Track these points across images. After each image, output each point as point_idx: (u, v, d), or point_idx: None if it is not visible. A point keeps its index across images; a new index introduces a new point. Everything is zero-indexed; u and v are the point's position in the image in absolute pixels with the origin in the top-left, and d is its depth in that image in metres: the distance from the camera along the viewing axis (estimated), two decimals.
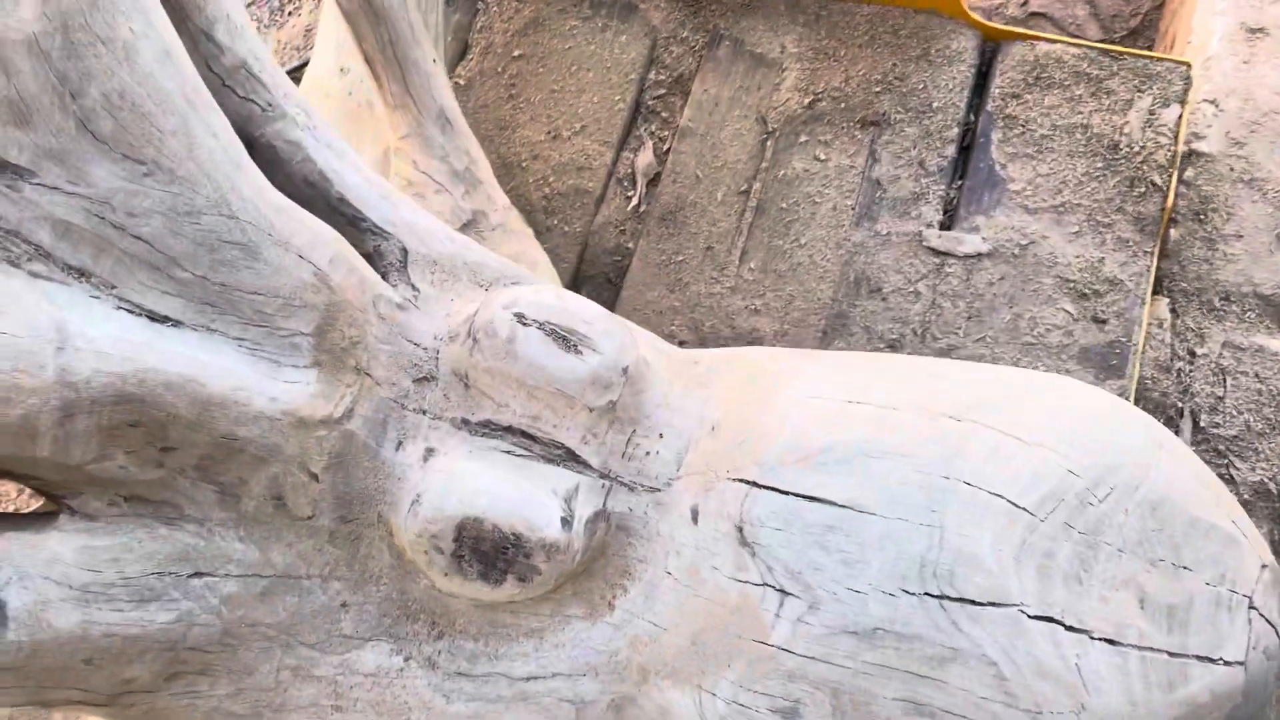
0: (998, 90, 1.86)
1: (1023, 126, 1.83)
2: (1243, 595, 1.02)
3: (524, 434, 1.09)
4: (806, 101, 1.92)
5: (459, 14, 2.10)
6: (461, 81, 2.05)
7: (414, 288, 1.16)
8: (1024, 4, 2.60)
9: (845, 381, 1.13)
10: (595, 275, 1.93)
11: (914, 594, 0.99)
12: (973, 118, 1.89)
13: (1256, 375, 1.75)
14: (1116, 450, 1.05)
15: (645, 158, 1.96)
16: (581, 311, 1.10)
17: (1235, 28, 2.01)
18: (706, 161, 1.92)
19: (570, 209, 1.95)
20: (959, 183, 1.84)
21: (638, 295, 1.85)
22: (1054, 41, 1.87)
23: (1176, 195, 1.89)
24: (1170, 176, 1.75)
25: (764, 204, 1.87)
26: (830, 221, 1.83)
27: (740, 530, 1.05)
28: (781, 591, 1.02)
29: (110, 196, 0.93)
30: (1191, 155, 1.91)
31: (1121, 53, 1.85)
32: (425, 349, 1.12)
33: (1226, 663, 1.01)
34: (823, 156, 1.88)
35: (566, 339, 1.08)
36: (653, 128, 1.99)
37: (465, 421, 1.10)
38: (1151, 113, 1.79)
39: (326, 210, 1.16)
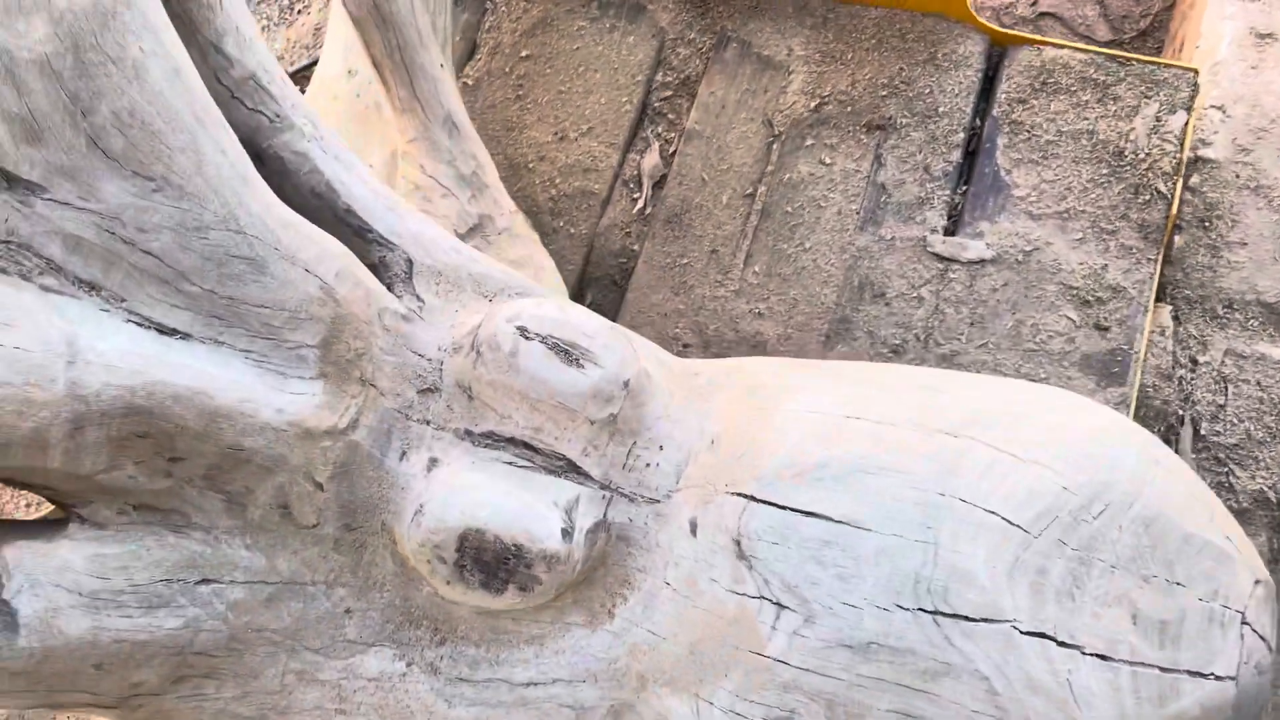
0: (1004, 95, 1.86)
1: (1028, 132, 1.83)
2: (1235, 611, 1.04)
3: (526, 445, 1.11)
4: (813, 105, 1.92)
5: (467, 13, 2.11)
6: (469, 81, 2.06)
7: (419, 299, 1.17)
8: (1033, 3, 2.60)
9: (843, 396, 1.14)
10: (601, 277, 1.94)
11: (908, 609, 1.00)
12: (979, 123, 1.89)
13: (1258, 383, 1.76)
14: (1111, 467, 1.06)
15: (651, 160, 1.97)
16: (584, 325, 1.12)
17: (1244, 32, 2.01)
18: (712, 164, 1.93)
19: (576, 211, 1.96)
20: (964, 188, 1.84)
21: (642, 298, 1.86)
22: (1061, 47, 1.87)
23: (1181, 202, 1.89)
24: (1175, 184, 1.76)
25: (769, 207, 1.88)
26: (835, 226, 1.84)
27: (738, 543, 1.06)
28: (778, 604, 1.04)
29: (120, 212, 0.95)
30: (1197, 161, 1.91)
31: (1128, 59, 1.85)
32: (429, 360, 1.14)
33: (1218, 677, 1.02)
34: (828, 160, 1.89)
35: (569, 352, 1.10)
36: (659, 130, 2.00)
37: (468, 432, 1.12)
38: (1158, 119, 1.79)
39: (333, 221, 1.18)
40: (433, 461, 1.10)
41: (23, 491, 2.16)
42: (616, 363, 1.11)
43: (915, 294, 1.77)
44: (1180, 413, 1.77)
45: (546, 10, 2.08)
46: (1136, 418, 1.72)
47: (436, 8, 1.67)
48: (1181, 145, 1.77)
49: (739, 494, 1.08)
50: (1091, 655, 1.00)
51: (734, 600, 1.06)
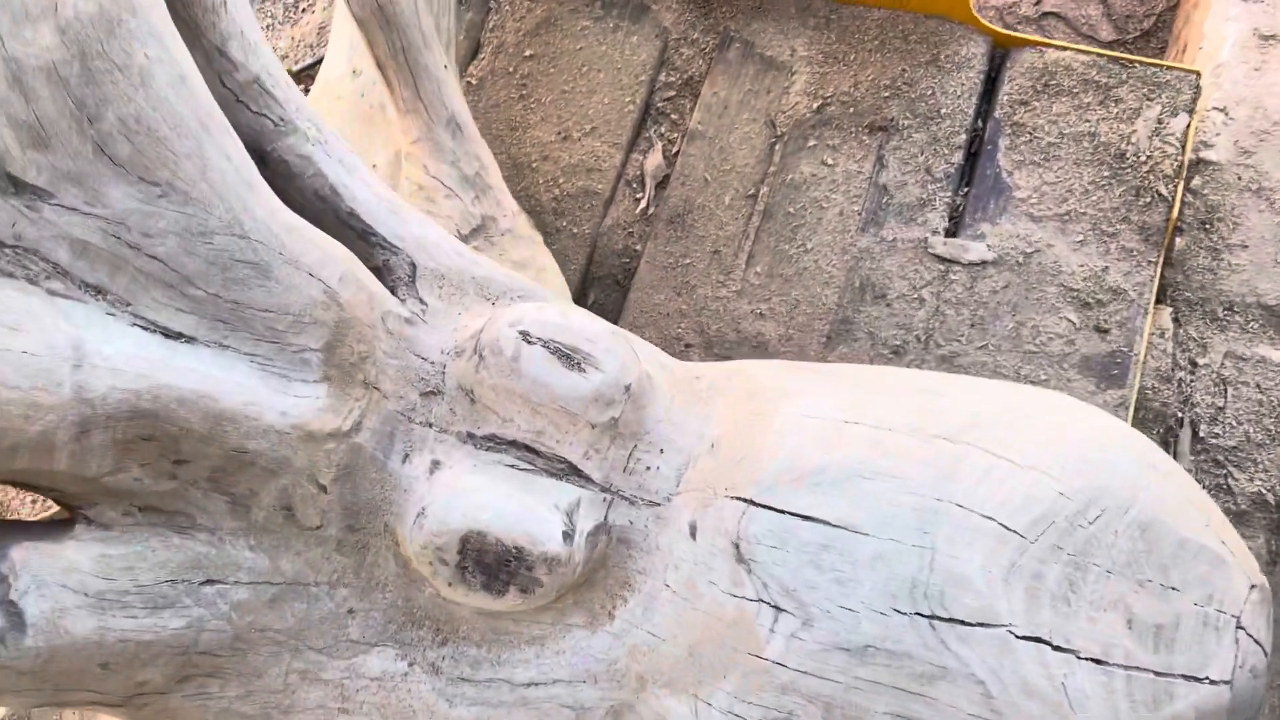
0: (1006, 97, 1.87)
1: (1030, 134, 1.83)
2: (1230, 615, 1.04)
3: (528, 448, 1.12)
4: (815, 105, 1.93)
5: (472, 12, 2.12)
6: (473, 80, 2.07)
7: (422, 302, 1.18)
8: (1037, 3, 2.60)
9: (843, 400, 1.15)
10: (604, 277, 1.95)
11: (905, 613, 1.01)
12: (980, 124, 1.89)
13: (1258, 386, 1.76)
14: (1108, 472, 1.07)
15: (654, 160, 1.98)
16: (585, 330, 1.12)
17: (1248, 34, 2.01)
18: (715, 165, 1.94)
19: (579, 210, 1.97)
20: (965, 189, 1.85)
21: (645, 298, 1.87)
22: (1064, 49, 1.88)
23: (1183, 204, 1.90)
24: (1176, 187, 1.76)
25: (771, 208, 1.88)
26: (836, 227, 1.85)
27: (737, 547, 1.07)
28: (776, 608, 1.05)
29: (126, 217, 0.96)
30: (1199, 163, 1.92)
31: (1131, 61, 1.85)
32: (432, 363, 1.15)
33: (1212, 681, 1.03)
34: (830, 161, 1.89)
35: (570, 357, 1.11)
36: (662, 130, 2.01)
37: (470, 435, 1.13)
38: (1159, 122, 1.80)
39: (336, 224, 1.19)
40: (435, 464, 1.11)
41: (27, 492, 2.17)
42: (618, 367, 1.12)
43: (916, 295, 1.78)
44: (1179, 415, 1.78)
45: (550, 10, 2.08)
46: (1136, 420, 1.73)
47: (440, 8, 1.68)
48: (1183, 148, 1.78)
49: (738, 498, 1.09)
50: (1086, 659, 1.01)
51: (733, 603, 1.07)
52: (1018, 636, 1.00)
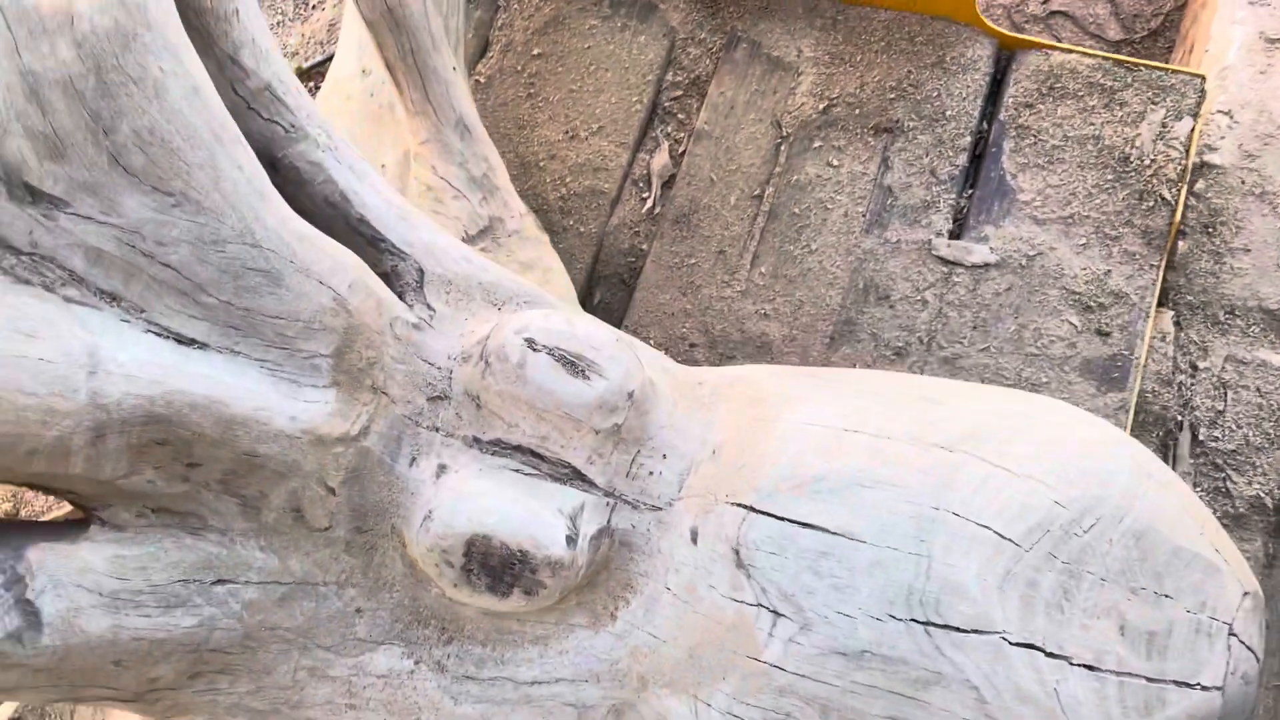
0: (1011, 99, 1.88)
1: (1035, 136, 1.84)
2: (1223, 622, 1.06)
3: (533, 453, 1.14)
4: (821, 106, 1.94)
5: (480, 10, 2.13)
6: (481, 79, 2.08)
7: (429, 308, 1.20)
8: (1045, 2, 2.60)
9: (843, 407, 1.16)
10: (610, 276, 1.97)
11: (901, 619, 1.03)
12: (985, 126, 1.90)
13: (1258, 390, 1.77)
14: (1104, 481, 1.08)
15: (660, 160, 1.99)
16: (590, 337, 1.14)
17: (1254, 37, 2.01)
18: (721, 165, 1.95)
19: (586, 209, 1.99)
20: (969, 191, 1.86)
21: (651, 298, 1.89)
22: (1069, 51, 1.89)
23: (1186, 207, 1.90)
24: (1180, 191, 1.77)
25: (776, 209, 1.90)
26: (841, 228, 1.86)
27: (737, 552, 1.09)
28: (775, 612, 1.07)
29: (140, 226, 0.98)
30: (1203, 167, 1.92)
31: (1136, 64, 1.86)
32: (439, 368, 1.17)
33: (1204, 688, 1.05)
34: (835, 162, 1.90)
35: (575, 364, 1.13)
36: (669, 129, 2.02)
37: (476, 440, 1.15)
38: (1164, 125, 1.80)
39: (346, 230, 1.21)
40: (441, 468, 1.13)
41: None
42: (621, 374, 1.14)
43: (919, 297, 1.79)
44: (1179, 418, 1.79)
45: (558, 9, 2.10)
46: (1135, 423, 1.74)
47: (449, 9, 1.69)
48: (1187, 152, 1.79)
49: (739, 504, 1.11)
50: (1079, 665, 1.03)
51: (732, 607, 1.09)
52: (1011, 643, 1.02)
